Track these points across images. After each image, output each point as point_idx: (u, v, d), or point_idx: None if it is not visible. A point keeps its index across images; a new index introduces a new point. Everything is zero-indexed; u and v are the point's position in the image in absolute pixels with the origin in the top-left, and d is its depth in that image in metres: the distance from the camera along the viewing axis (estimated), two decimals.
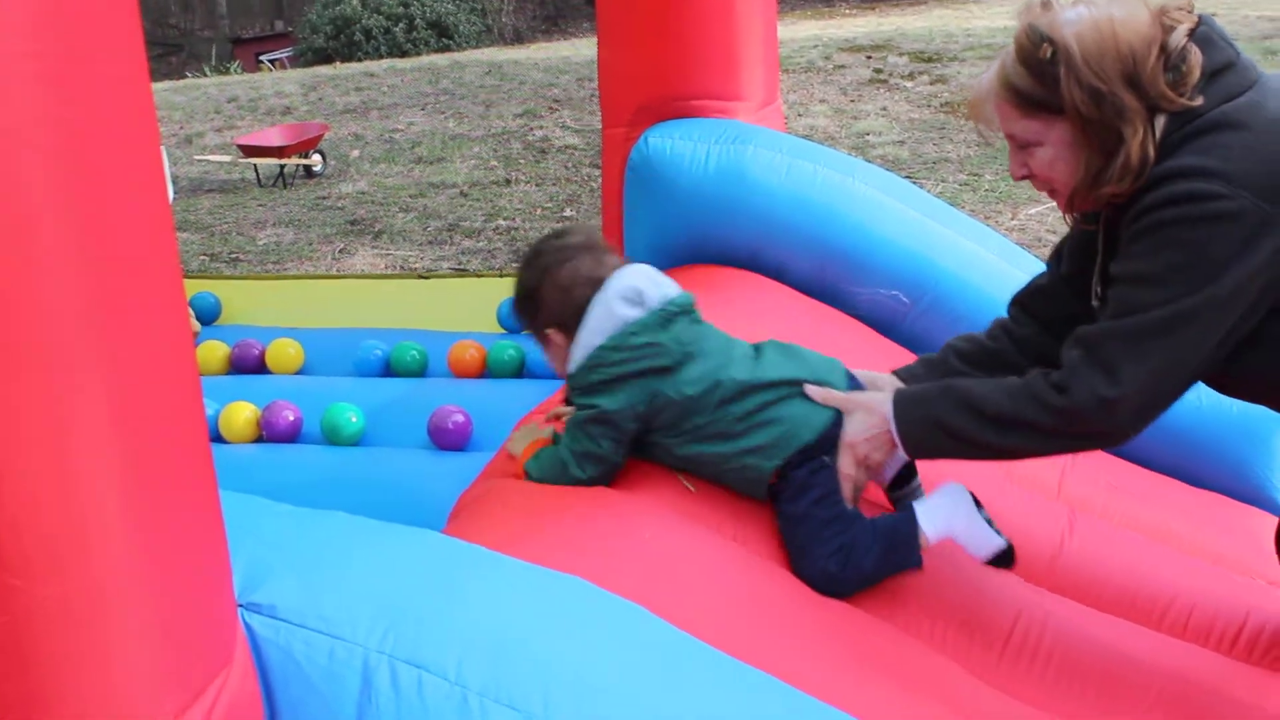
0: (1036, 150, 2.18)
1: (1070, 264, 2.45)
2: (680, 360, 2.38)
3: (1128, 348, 2.07)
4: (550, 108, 10.94)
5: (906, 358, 3.41)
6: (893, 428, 2.31)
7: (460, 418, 3.59)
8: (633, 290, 2.41)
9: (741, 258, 3.62)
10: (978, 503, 2.38)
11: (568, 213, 7.88)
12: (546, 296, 2.47)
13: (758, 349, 2.51)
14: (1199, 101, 2.06)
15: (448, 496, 2.80)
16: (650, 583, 2.11)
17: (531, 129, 10.25)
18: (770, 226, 3.57)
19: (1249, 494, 3.24)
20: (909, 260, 3.49)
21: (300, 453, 3.64)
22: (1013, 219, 6.64)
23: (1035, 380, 2.18)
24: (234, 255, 7.59)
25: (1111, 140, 2.08)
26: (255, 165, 9.39)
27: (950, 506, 2.38)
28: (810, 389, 2.42)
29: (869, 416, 2.36)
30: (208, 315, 5.05)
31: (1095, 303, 2.32)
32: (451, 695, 1.54)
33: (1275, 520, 3.16)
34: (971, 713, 2.16)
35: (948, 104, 9.64)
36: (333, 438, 3.69)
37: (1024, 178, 2.26)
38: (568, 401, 2.52)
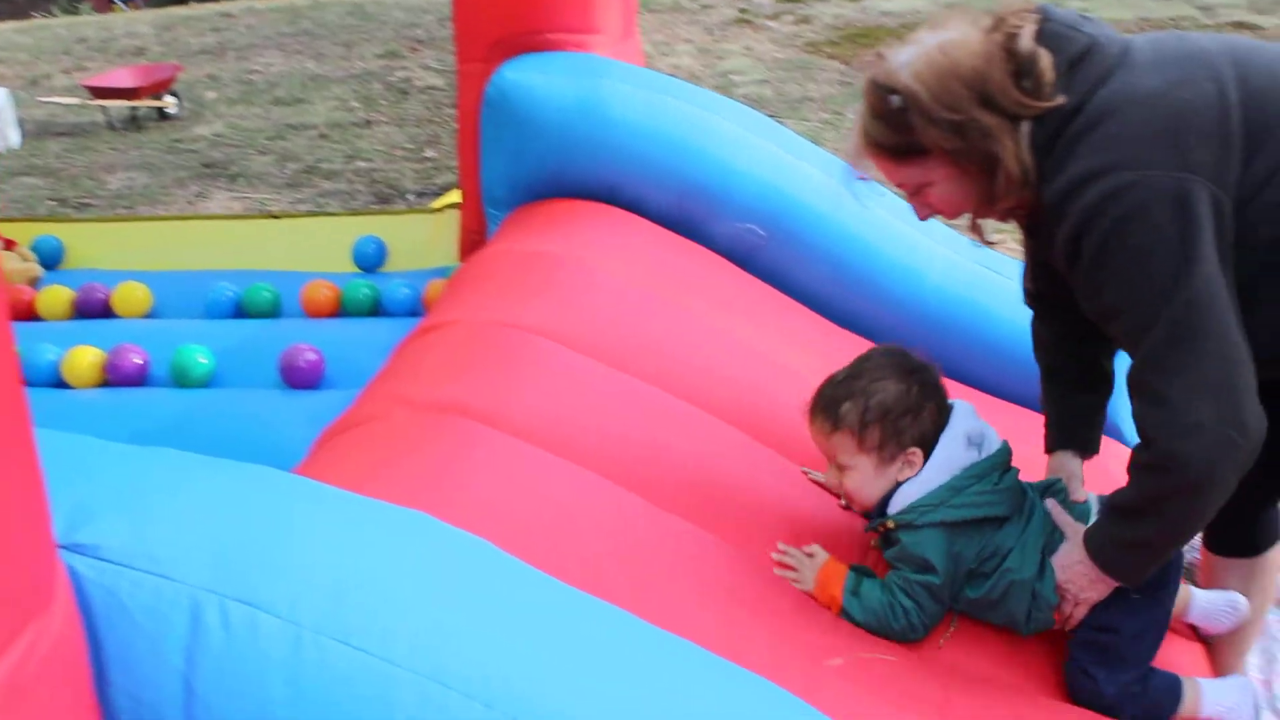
0: (929, 190, 2.16)
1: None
2: (1008, 513, 2.29)
3: (1162, 373, 1.97)
4: (412, 48, 10.75)
5: (765, 290, 3.43)
6: (1090, 561, 2.23)
7: (312, 356, 3.52)
8: (977, 433, 2.31)
9: (600, 192, 3.59)
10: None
11: (429, 153, 7.75)
12: (914, 416, 2.31)
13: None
14: (1060, 100, 2.01)
15: (300, 436, 2.74)
16: (507, 521, 2.09)
17: (393, 70, 10.07)
18: (627, 160, 3.54)
19: None
20: (765, 193, 3.49)
21: (148, 396, 3.55)
22: None
23: (1133, 456, 2.10)
24: (83, 200, 7.35)
25: (987, 161, 2.05)
26: (105, 108, 9.09)
27: (1239, 697, 2.36)
28: (1050, 503, 2.35)
29: (1078, 548, 2.26)
30: (50, 259, 4.88)
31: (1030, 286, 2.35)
32: (285, 633, 1.49)
33: (1123, 449, 3.24)
34: (813, 641, 2.17)
35: (811, 43, 9.66)
36: (181, 380, 3.60)
37: (929, 217, 2.25)
38: (879, 532, 2.37)
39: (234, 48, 11.55)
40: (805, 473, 2.63)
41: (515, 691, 1.50)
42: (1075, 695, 2.30)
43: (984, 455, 2.31)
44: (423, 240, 4.78)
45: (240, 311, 4.25)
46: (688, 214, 3.52)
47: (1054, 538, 2.31)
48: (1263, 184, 1.99)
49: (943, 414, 2.33)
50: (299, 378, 3.51)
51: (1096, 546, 2.20)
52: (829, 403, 2.33)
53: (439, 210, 4.95)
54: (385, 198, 6.95)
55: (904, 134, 2.08)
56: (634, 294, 3.07)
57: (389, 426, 2.41)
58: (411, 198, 6.90)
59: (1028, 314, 2.57)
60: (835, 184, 3.54)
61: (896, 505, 2.29)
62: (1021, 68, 2.02)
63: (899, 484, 2.30)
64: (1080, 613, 2.27)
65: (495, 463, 2.28)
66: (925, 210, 2.23)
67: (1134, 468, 2.09)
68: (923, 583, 2.24)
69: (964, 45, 2.03)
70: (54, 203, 7.32)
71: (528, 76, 3.64)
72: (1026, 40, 2.02)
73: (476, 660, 1.52)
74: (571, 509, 2.20)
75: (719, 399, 2.75)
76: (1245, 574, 2.57)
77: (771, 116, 5.20)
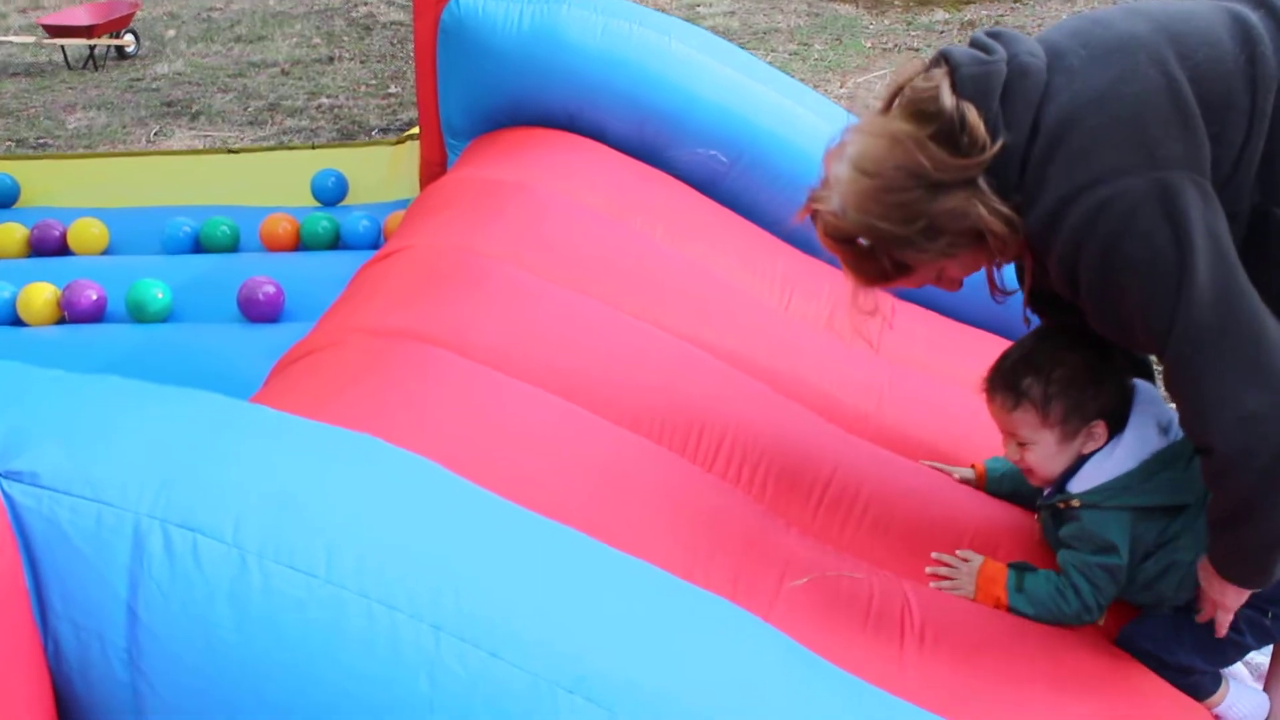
0: (944, 272, 2.09)
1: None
2: (1193, 501, 2.20)
3: (1196, 375, 1.90)
4: None
5: (729, 216, 3.41)
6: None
7: (271, 289, 3.49)
8: (1165, 418, 2.24)
9: (559, 119, 3.55)
10: None
11: (392, 89, 7.67)
12: (1096, 388, 2.22)
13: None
14: (1002, 141, 1.92)
15: (259, 369, 2.71)
16: (463, 443, 2.07)
17: (355, 5, 9.94)
18: (587, 87, 3.50)
19: None
20: (727, 119, 3.46)
21: (104, 332, 3.52)
22: (841, 87, 6.62)
23: (1202, 469, 2.03)
24: (42, 140, 7.26)
25: (974, 233, 1.97)
26: (62, 47, 8.94)
27: (1254, 709, 2.33)
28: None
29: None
30: (4, 197, 4.80)
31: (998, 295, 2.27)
32: (229, 557, 1.46)
33: None
34: (774, 559, 2.17)
35: None
36: (138, 315, 3.56)
37: (960, 286, 2.17)
38: (1052, 510, 2.33)
39: None
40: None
41: (464, 612, 1.48)
42: (1140, 641, 2.26)
43: (1171, 440, 2.25)
44: (383, 173, 4.73)
45: (198, 247, 4.20)
46: (649, 140, 3.49)
47: None
48: (1236, 161, 1.93)
49: (1124, 388, 2.27)
50: (258, 311, 3.47)
51: (1219, 564, 2.11)
52: (1009, 379, 2.26)
53: (399, 142, 4.89)
54: (349, 134, 6.89)
55: (888, 259, 2.02)
56: (594, 220, 3.04)
57: (344, 353, 2.39)
58: (376, 134, 6.83)
59: None
60: (798, 109, 3.55)
61: (1082, 482, 2.24)
62: (952, 128, 1.93)
63: (1083, 458, 2.25)
64: (1223, 619, 2.19)
65: (451, 386, 2.26)
66: (954, 285, 2.15)
67: (1209, 479, 2.00)
68: (1103, 564, 2.20)
69: (873, 154, 1.96)
70: (12, 143, 7.22)
71: (483, 2, 3.58)
72: (947, 98, 1.93)
73: (424, 582, 1.50)
74: (529, 430, 2.19)
75: (679, 323, 2.73)
76: None
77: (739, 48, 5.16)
